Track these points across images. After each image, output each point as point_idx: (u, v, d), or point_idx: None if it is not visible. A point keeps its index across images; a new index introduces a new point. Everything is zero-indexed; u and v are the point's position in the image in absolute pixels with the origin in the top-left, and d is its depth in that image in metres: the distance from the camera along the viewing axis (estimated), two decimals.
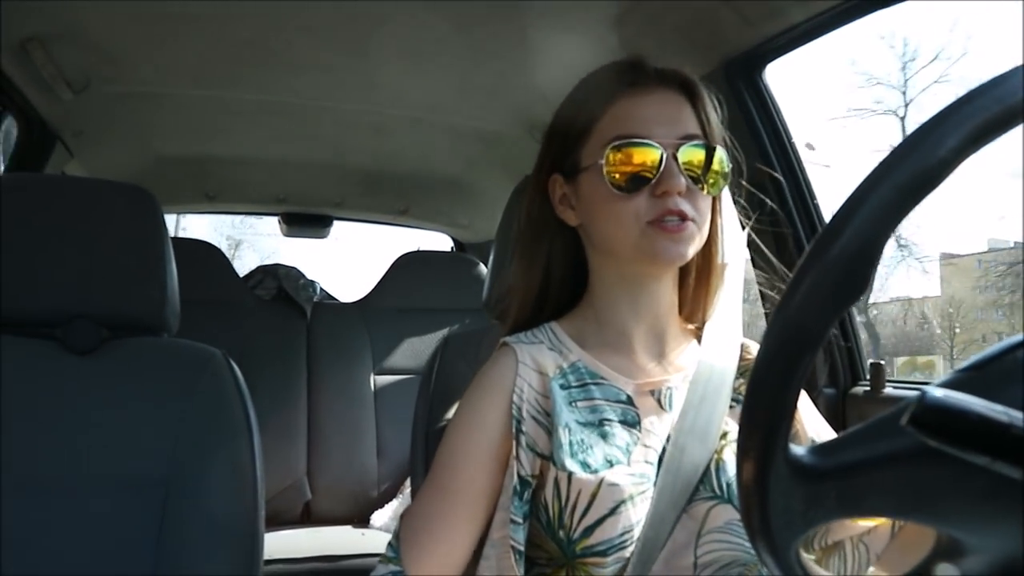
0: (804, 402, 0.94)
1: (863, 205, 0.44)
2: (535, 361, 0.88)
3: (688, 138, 0.85)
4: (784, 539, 0.48)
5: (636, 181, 0.83)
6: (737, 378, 0.89)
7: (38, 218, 1.18)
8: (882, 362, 1.38)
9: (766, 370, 0.46)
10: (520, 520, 0.81)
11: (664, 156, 0.83)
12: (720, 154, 0.86)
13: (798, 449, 0.47)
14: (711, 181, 0.86)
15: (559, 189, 0.91)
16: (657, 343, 0.92)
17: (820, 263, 0.44)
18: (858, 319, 1.63)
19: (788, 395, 0.46)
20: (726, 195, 0.93)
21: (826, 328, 0.45)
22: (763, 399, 0.46)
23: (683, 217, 0.83)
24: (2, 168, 1.99)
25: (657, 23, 1.53)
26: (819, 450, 0.48)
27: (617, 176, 0.84)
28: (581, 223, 0.91)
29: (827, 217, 1.52)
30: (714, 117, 0.89)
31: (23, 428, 1.13)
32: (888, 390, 1.38)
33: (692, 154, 0.84)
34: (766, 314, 1.09)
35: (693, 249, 0.86)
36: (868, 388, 1.41)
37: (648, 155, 0.83)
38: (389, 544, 0.86)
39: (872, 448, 0.47)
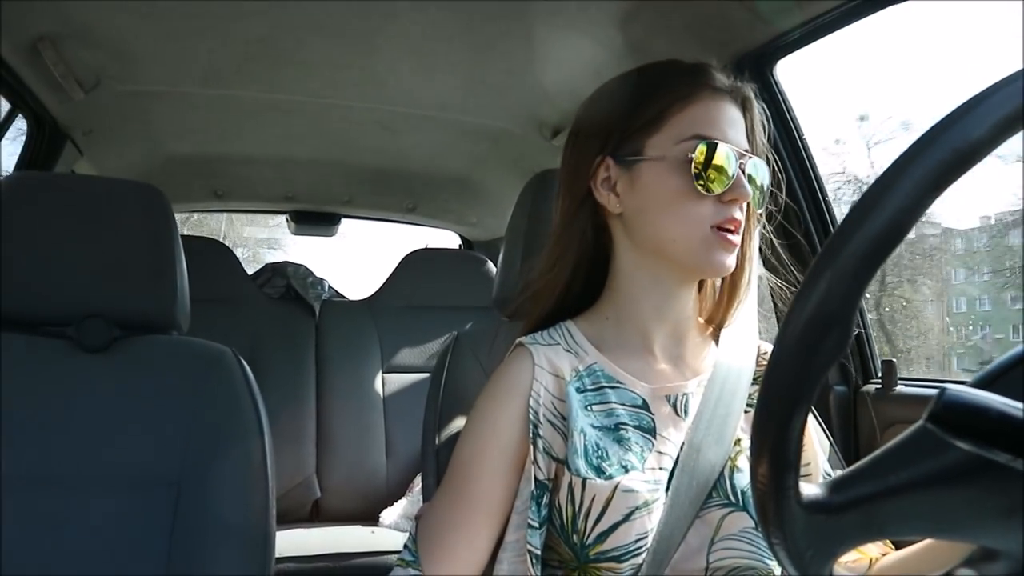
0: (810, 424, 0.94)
1: (826, 273, 0.44)
2: (551, 363, 0.87)
3: (746, 152, 0.87)
4: (816, 567, 0.48)
5: (714, 183, 0.84)
6: (753, 383, 0.89)
7: (48, 217, 1.18)
8: (893, 360, 1.38)
9: (764, 427, 0.47)
10: (537, 524, 0.81)
11: (740, 164, 0.84)
12: (763, 168, 0.88)
13: (811, 489, 0.47)
14: (757, 196, 0.87)
15: (604, 172, 0.89)
16: (676, 346, 0.91)
17: (804, 316, 0.45)
18: (869, 316, 1.62)
19: (788, 446, 0.46)
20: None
21: (816, 384, 0.46)
22: (767, 452, 0.47)
23: (739, 228, 0.85)
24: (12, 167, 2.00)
25: (667, 20, 1.52)
26: (831, 487, 0.48)
27: (698, 175, 0.83)
28: (624, 212, 0.89)
29: (839, 216, 1.51)
30: (760, 132, 0.91)
31: (34, 427, 1.13)
32: (900, 387, 1.37)
33: (751, 167, 0.86)
34: (777, 318, 1.09)
35: (735, 262, 0.87)
36: (880, 386, 1.40)
37: (730, 161, 0.84)
38: (405, 547, 0.86)
39: (884, 482, 0.46)
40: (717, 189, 0.83)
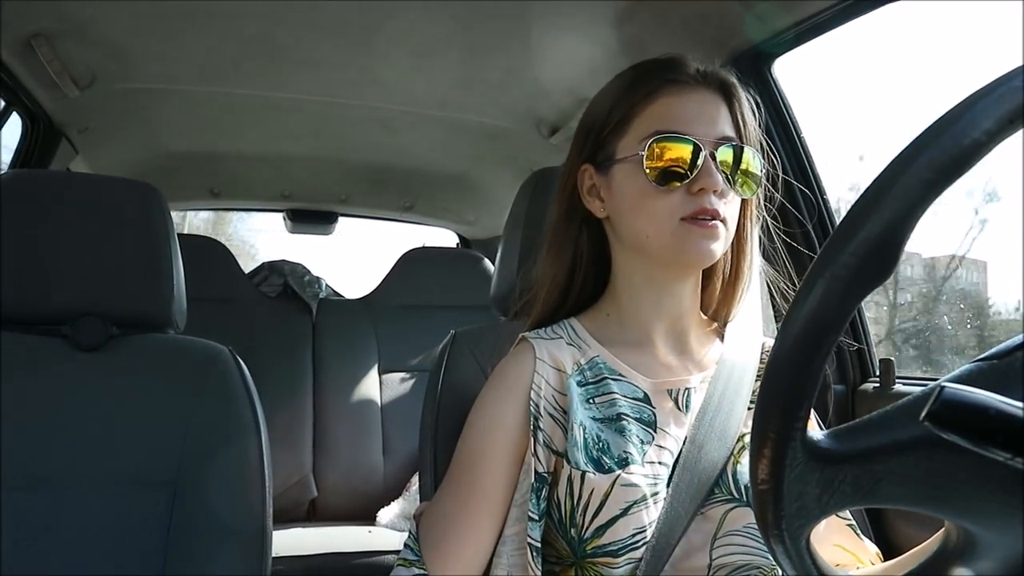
0: None
1: (891, 188, 0.43)
2: (553, 357, 0.88)
3: (725, 139, 0.85)
4: (796, 527, 0.48)
5: (674, 177, 0.83)
6: (757, 379, 0.89)
7: (44, 215, 1.18)
8: (891, 359, 1.37)
9: (788, 352, 0.45)
10: (537, 517, 0.81)
11: (703, 154, 0.83)
12: (750, 155, 0.86)
13: (815, 433, 0.47)
14: (741, 182, 0.86)
15: (588, 180, 0.91)
16: (678, 342, 0.92)
17: (845, 245, 0.43)
18: (868, 315, 1.62)
19: (809, 378, 0.45)
20: (755, 199, 0.92)
21: (849, 311, 0.44)
22: (783, 381, 0.46)
23: (715, 217, 0.83)
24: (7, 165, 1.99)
25: (664, 18, 1.52)
26: (836, 435, 0.47)
27: (656, 170, 0.84)
28: (608, 216, 0.91)
29: (838, 215, 1.51)
30: (751, 120, 0.89)
31: (30, 426, 1.12)
32: (898, 387, 1.37)
33: (728, 155, 0.85)
34: (775, 316, 1.08)
35: (722, 249, 0.86)
36: (878, 385, 1.40)
37: (688, 152, 0.83)
38: (406, 546, 0.85)
39: (890, 435, 0.46)
40: (676, 182, 0.83)
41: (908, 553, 0.73)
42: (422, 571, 0.82)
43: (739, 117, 0.88)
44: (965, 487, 0.46)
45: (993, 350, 0.48)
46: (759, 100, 0.92)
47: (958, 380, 0.46)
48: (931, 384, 0.44)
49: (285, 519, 2.19)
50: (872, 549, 0.88)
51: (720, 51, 1.47)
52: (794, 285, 0.97)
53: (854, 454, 0.47)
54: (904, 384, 1.37)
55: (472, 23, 1.66)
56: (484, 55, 1.81)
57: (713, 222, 0.83)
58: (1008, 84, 0.43)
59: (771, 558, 0.80)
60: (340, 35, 1.72)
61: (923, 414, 0.41)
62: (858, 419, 0.48)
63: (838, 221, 0.46)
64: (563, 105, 2.03)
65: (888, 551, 0.89)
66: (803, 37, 1.42)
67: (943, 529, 0.53)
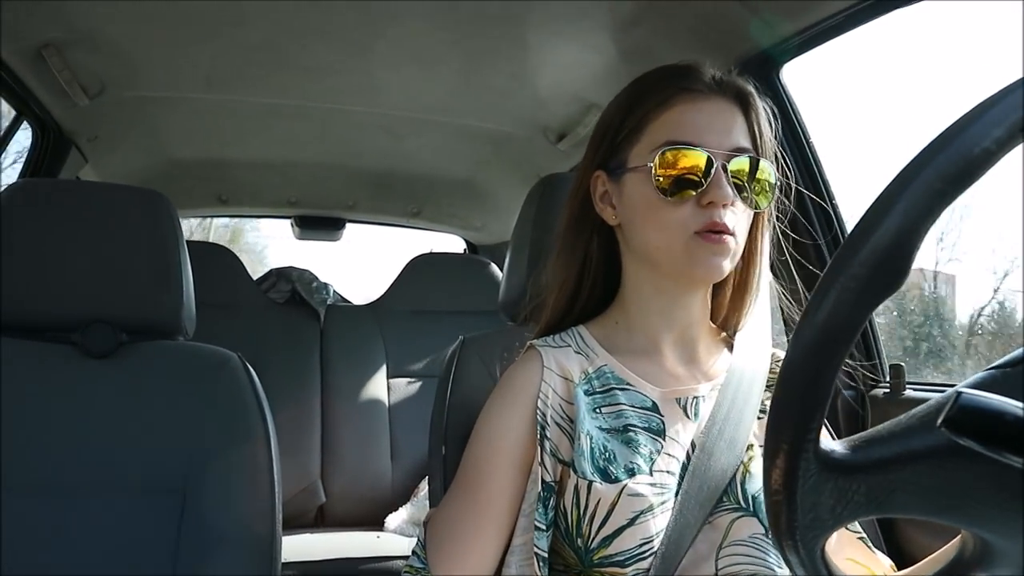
0: None
1: (900, 198, 0.42)
2: (560, 366, 0.87)
3: (739, 150, 0.84)
4: (811, 537, 0.47)
5: (684, 187, 0.82)
6: (766, 389, 0.88)
7: (53, 223, 1.18)
8: (902, 364, 1.37)
9: (800, 362, 0.45)
10: (544, 527, 0.81)
11: (715, 165, 0.82)
12: (765, 166, 0.85)
13: (829, 443, 0.47)
14: (756, 192, 0.85)
15: (601, 186, 0.90)
16: (687, 351, 0.91)
17: (856, 255, 0.43)
18: (878, 320, 1.61)
19: (822, 387, 0.45)
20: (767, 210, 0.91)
21: (860, 321, 0.44)
22: (796, 392, 0.45)
23: (725, 231, 0.82)
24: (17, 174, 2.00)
25: (671, 23, 1.52)
26: (851, 444, 0.47)
27: (665, 180, 0.82)
28: (620, 223, 0.90)
29: (848, 223, 1.49)
30: (767, 130, 0.88)
31: (40, 433, 1.13)
32: (909, 392, 1.36)
33: (742, 165, 0.83)
34: (785, 329, 1.08)
35: (730, 264, 0.85)
36: (889, 390, 1.39)
37: (698, 162, 0.82)
38: (414, 553, 0.85)
39: (905, 444, 0.46)
40: (686, 194, 0.82)
41: (923, 562, 0.72)
42: None
43: (755, 127, 0.87)
44: (980, 495, 0.46)
45: (1007, 357, 0.48)
46: (775, 111, 0.91)
47: (973, 387, 0.46)
48: (946, 391, 0.43)
49: (293, 525, 2.19)
50: (886, 562, 0.87)
51: (727, 57, 1.47)
52: (805, 296, 0.97)
53: (868, 464, 0.46)
54: (915, 389, 1.37)
55: (476, 29, 1.67)
56: (489, 61, 1.81)
57: (723, 236, 0.82)
58: (1017, 93, 0.42)
59: (776, 570, 0.80)
60: (345, 42, 1.73)
61: (940, 419, 0.41)
62: (871, 428, 0.48)
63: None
64: (569, 111, 2.03)
65: (900, 560, 0.88)
66: (811, 43, 1.42)
67: (959, 537, 0.53)
